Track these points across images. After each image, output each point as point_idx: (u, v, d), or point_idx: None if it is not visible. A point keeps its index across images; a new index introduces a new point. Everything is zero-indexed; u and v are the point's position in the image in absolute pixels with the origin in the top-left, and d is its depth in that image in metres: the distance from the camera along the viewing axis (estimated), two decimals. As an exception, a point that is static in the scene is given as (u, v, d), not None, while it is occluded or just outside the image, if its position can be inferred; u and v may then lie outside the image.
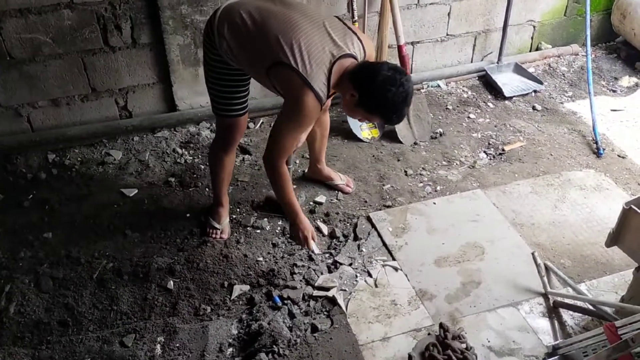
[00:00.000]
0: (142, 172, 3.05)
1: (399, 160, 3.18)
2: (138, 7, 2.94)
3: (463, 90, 3.77)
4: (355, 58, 2.13)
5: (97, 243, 2.62)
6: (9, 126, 3.08)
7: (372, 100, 2.06)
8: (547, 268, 2.47)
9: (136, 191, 2.92)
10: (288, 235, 2.67)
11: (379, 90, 2.02)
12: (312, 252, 2.46)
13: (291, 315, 2.27)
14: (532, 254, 2.54)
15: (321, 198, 2.88)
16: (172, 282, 2.43)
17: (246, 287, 2.42)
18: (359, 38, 2.17)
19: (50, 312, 2.30)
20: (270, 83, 2.19)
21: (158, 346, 2.18)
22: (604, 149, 3.22)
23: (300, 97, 2.05)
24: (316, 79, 2.05)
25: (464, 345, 1.69)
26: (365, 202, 2.89)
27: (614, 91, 3.79)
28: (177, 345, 2.18)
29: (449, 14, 3.63)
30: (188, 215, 2.79)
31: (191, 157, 3.16)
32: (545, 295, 2.37)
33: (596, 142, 3.25)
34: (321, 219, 2.78)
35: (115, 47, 3.03)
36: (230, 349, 2.19)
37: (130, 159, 3.13)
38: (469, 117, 3.54)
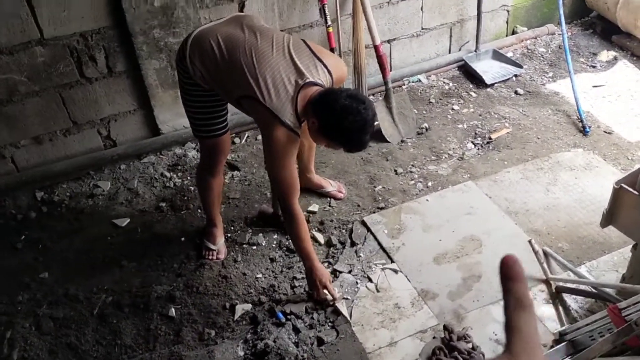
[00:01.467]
0: (132, 200, 3.03)
1: (387, 159, 3.18)
2: (110, 36, 2.92)
3: (444, 82, 3.77)
4: (320, 85, 2.13)
5: (94, 278, 2.61)
6: (-6, 169, 3.06)
7: (330, 128, 2.07)
8: (545, 254, 2.47)
9: (128, 220, 2.90)
10: (286, 249, 2.66)
11: (336, 119, 2.02)
12: (331, 300, 2.36)
13: (296, 330, 2.26)
14: (529, 241, 2.54)
15: (314, 207, 2.87)
16: (173, 310, 2.41)
17: (248, 306, 2.41)
18: (323, 64, 2.16)
19: (54, 354, 2.28)
20: (243, 110, 2.23)
21: (166, 376, 2.17)
22: (589, 127, 3.22)
23: (272, 132, 2.07)
24: (284, 110, 2.06)
25: (469, 345, 1.69)
26: (359, 206, 2.88)
27: (593, 67, 3.80)
28: (185, 373, 2.17)
29: (421, 8, 3.63)
30: (183, 239, 2.78)
31: (180, 180, 3.14)
32: (547, 282, 2.37)
33: (581, 121, 3.26)
34: (316, 228, 2.77)
35: (92, 78, 3.01)
36: (239, 371, 2.18)
37: (119, 188, 3.11)
38: (453, 109, 3.53)
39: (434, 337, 1.93)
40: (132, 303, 2.46)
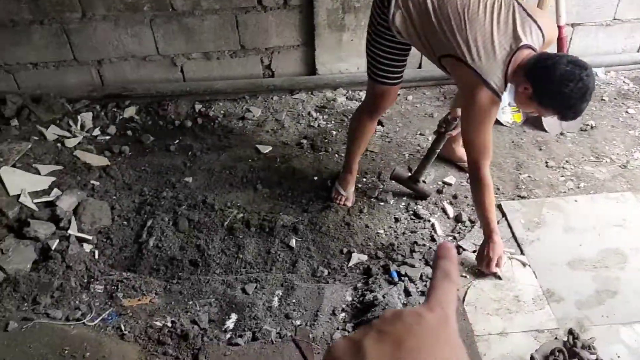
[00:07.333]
0: (277, 131, 3.15)
1: (540, 149, 2.98)
2: (295, -32, 2.99)
3: (624, 82, 3.42)
4: (533, 49, 2.01)
5: (231, 193, 2.77)
6: (165, 74, 3.31)
7: (547, 95, 1.97)
8: (700, 290, 2.20)
9: (270, 148, 3.03)
10: (412, 213, 2.63)
11: (555, 86, 1.92)
12: (494, 275, 2.33)
13: (407, 293, 2.24)
14: (685, 271, 2.27)
15: (451, 179, 2.79)
16: (294, 241, 2.50)
17: (364, 257, 2.43)
18: (537, 25, 2.03)
19: (184, 251, 2.48)
20: (441, 67, 2.16)
21: (276, 298, 2.27)
22: None
23: (475, 95, 2.00)
24: (491, 73, 1.99)
25: (593, 357, 1.56)
26: (498, 189, 2.75)
27: None
28: (294, 301, 2.25)
29: (620, -5, 3.28)
30: (315, 178, 2.84)
31: (325, 122, 3.20)
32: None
33: None
34: (448, 201, 2.69)
35: (268, 6, 3.11)
36: (343, 314, 2.22)
37: (267, 117, 3.24)
38: (627, 112, 3.20)
39: (555, 338, 1.81)
40: (259, 224, 2.58)
